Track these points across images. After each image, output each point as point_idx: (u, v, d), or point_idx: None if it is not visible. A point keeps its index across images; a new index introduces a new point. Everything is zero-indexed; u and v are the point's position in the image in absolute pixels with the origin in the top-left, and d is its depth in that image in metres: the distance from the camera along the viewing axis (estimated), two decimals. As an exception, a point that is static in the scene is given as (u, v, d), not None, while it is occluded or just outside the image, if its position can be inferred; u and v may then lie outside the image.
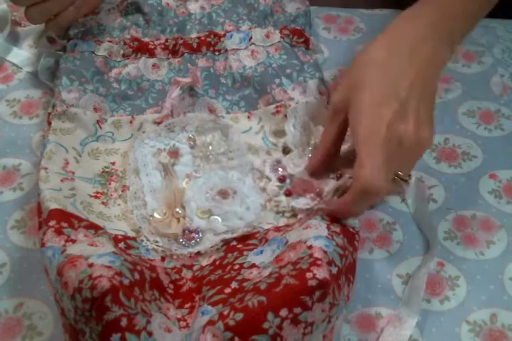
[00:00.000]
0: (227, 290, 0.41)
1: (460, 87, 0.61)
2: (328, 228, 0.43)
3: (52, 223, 0.43)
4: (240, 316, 0.36)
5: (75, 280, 0.37)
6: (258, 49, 0.58)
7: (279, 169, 0.51)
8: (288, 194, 0.50)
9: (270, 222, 0.49)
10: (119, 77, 0.57)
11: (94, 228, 0.45)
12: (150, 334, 0.36)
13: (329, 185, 0.49)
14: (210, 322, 0.37)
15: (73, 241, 0.42)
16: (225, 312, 0.37)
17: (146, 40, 0.60)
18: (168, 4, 0.62)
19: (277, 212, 0.50)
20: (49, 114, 0.54)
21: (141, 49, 0.58)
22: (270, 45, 0.58)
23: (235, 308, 0.37)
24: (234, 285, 0.41)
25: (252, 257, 0.45)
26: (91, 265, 0.38)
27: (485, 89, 0.61)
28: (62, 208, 0.45)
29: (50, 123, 0.52)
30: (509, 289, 0.47)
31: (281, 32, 0.59)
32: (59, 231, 0.42)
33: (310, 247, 0.40)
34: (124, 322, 0.36)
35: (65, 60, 0.57)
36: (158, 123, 0.54)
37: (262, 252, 0.45)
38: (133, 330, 0.36)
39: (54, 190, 0.46)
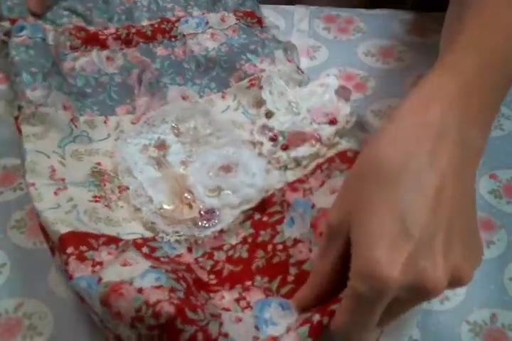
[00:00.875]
0: (290, 278, 0.42)
1: (460, 87, 0.61)
2: None
3: (70, 250, 0.40)
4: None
5: (129, 310, 0.35)
6: (216, 32, 0.58)
7: (267, 132, 0.52)
8: (285, 148, 0.50)
9: (279, 180, 0.49)
10: (73, 73, 0.53)
11: (113, 241, 0.42)
12: (225, 335, 0.36)
13: (326, 130, 0.50)
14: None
15: (100, 264, 0.39)
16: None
17: (93, 29, 0.55)
18: None
19: (280, 168, 0.50)
20: (16, 118, 0.48)
21: (91, 40, 0.54)
22: (227, 28, 0.58)
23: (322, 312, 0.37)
24: (293, 271, 0.42)
25: (287, 231, 0.44)
26: (140, 290, 0.36)
27: (485, 89, 0.61)
28: (73, 229, 0.41)
29: (20, 130, 0.48)
30: (509, 289, 0.47)
31: (235, 14, 0.59)
32: (82, 257, 0.39)
33: None
34: (200, 336, 0.35)
35: (17, 51, 0.50)
36: (135, 123, 0.52)
37: (292, 220, 0.45)
38: (211, 340, 0.36)
39: (52, 208, 0.43)
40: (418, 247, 0.32)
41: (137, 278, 0.37)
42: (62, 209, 0.43)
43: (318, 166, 0.48)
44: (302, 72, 0.56)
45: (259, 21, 0.60)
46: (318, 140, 0.50)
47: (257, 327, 0.38)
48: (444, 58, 0.39)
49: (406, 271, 0.31)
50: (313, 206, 0.44)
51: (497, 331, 0.45)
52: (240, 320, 0.38)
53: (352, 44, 0.65)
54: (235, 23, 0.58)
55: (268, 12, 0.68)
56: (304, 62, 0.63)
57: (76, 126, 0.50)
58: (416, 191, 0.33)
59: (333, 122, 0.51)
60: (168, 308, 0.35)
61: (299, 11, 0.68)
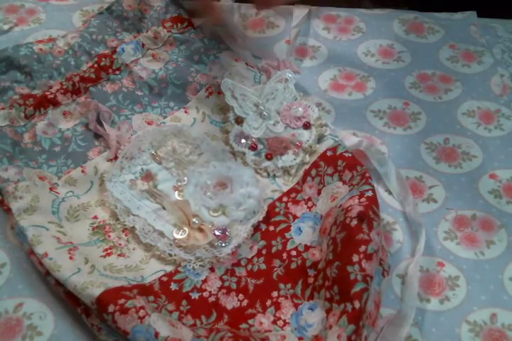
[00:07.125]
0: (310, 280, 0.45)
1: (460, 87, 0.61)
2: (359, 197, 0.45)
3: (111, 308, 0.40)
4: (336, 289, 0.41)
5: None
6: (156, 52, 0.58)
7: (242, 140, 0.53)
8: (270, 157, 0.52)
9: (273, 189, 0.51)
10: (36, 140, 0.52)
11: (145, 293, 0.43)
12: None
13: (305, 135, 0.52)
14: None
15: (143, 308, 0.40)
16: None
17: (39, 92, 0.54)
18: (41, 49, 0.56)
19: (268, 175, 0.52)
20: (1, 201, 0.49)
21: (41, 103, 0.53)
22: (164, 44, 0.58)
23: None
24: (311, 272, 0.45)
25: (296, 238, 0.48)
26: None
27: (485, 89, 0.61)
28: (105, 288, 0.41)
29: (9, 210, 0.48)
30: (509, 289, 0.47)
31: (164, 27, 0.59)
32: (124, 310, 0.40)
33: (341, 205, 0.45)
34: None
35: None
36: (112, 160, 0.52)
37: (300, 229, 0.48)
38: None
39: (75, 274, 0.43)
40: None
41: None
42: (84, 271, 0.44)
43: (307, 173, 0.51)
44: (252, 67, 0.56)
45: (190, 23, 0.60)
46: (300, 147, 0.52)
47: (300, 338, 0.42)
48: None
49: None
50: (321, 217, 0.48)
51: (497, 331, 0.45)
52: (284, 337, 0.42)
53: (352, 44, 0.65)
54: (169, 36, 0.58)
55: (268, 12, 0.68)
56: (304, 62, 0.63)
57: (58, 192, 0.50)
58: None
59: (307, 126, 0.52)
60: None
61: (298, 10, 0.68)
